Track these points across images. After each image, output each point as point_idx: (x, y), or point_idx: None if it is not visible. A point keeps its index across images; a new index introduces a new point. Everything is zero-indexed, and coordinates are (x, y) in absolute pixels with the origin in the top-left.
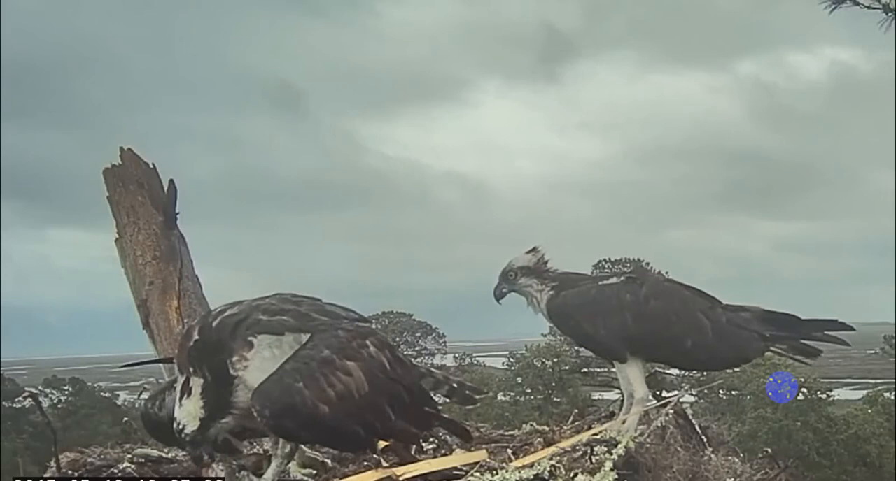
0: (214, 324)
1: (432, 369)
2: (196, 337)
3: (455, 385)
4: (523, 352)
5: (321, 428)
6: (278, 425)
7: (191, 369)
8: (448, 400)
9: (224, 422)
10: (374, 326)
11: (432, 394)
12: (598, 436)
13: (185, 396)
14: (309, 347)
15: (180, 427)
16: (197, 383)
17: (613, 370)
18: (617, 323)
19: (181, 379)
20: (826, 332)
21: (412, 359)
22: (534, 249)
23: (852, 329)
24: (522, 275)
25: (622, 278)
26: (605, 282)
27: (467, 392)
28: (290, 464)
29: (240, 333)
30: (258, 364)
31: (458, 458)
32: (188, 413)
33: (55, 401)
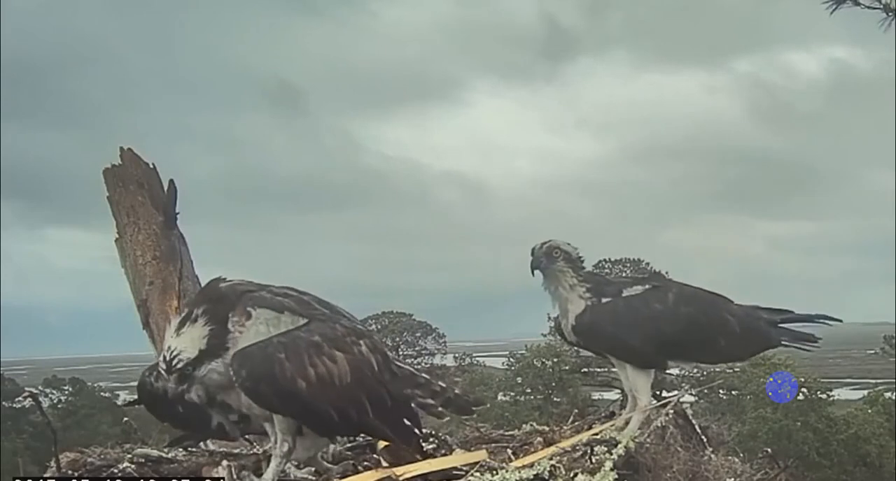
0: (223, 285)
1: (433, 381)
2: (201, 287)
3: (452, 396)
4: (523, 352)
5: (295, 402)
6: (253, 388)
7: (189, 309)
8: (444, 409)
9: (212, 368)
10: (373, 329)
11: (428, 400)
12: (598, 436)
13: (189, 324)
14: (302, 330)
15: (175, 353)
16: (203, 317)
17: (614, 370)
18: (651, 331)
19: (180, 315)
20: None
21: (411, 363)
22: (568, 244)
23: (840, 320)
24: (564, 259)
25: (647, 286)
26: (629, 291)
27: (463, 403)
28: (290, 465)
29: (243, 301)
30: (251, 336)
31: (458, 458)
32: (191, 339)
33: (55, 401)
